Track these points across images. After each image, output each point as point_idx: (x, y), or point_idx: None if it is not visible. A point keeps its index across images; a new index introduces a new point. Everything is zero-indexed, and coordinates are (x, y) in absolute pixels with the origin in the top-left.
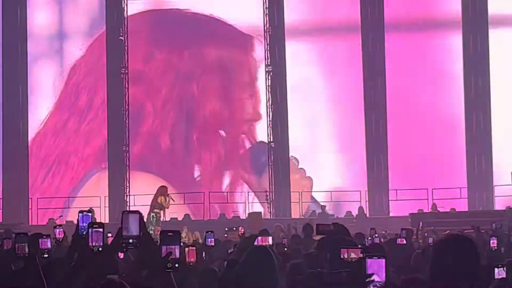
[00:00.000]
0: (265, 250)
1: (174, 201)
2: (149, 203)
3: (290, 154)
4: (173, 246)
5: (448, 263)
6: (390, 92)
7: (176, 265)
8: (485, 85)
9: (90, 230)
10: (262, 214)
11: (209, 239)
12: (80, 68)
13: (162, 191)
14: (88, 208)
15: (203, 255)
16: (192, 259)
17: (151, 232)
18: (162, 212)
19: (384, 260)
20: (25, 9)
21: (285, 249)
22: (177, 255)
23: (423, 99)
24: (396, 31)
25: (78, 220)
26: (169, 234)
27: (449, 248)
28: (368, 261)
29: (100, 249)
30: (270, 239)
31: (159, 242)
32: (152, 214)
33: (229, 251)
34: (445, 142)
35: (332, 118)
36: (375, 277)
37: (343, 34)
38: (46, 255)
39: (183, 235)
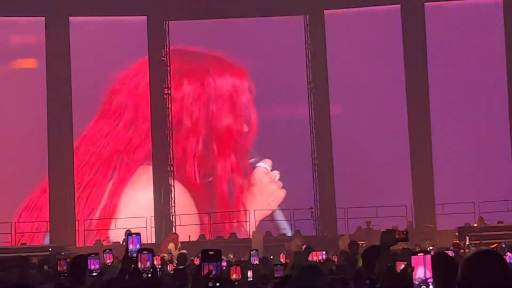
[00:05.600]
0: (315, 269)
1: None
2: (192, 223)
3: (257, 160)
4: (214, 264)
5: (477, 280)
6: (433, 105)
7: (217, 283)
8: None
9: (139, 254)
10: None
11: (253, 258)
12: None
13: (173, 237)
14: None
15: (249, 273)
16: (237, 277)
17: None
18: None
19: (429, 256)
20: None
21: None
22: (218, 272)
23: (468, 109)
24: None
25: (127, 242)
26: (209, 252)
27: (478, 264)
28: (413, 258)
29: (150, 274)
30: (323, 253)
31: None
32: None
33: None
34: (491, 153)
35: (375, 131)
36: (419, 275)
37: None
38: (94, 274)
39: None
